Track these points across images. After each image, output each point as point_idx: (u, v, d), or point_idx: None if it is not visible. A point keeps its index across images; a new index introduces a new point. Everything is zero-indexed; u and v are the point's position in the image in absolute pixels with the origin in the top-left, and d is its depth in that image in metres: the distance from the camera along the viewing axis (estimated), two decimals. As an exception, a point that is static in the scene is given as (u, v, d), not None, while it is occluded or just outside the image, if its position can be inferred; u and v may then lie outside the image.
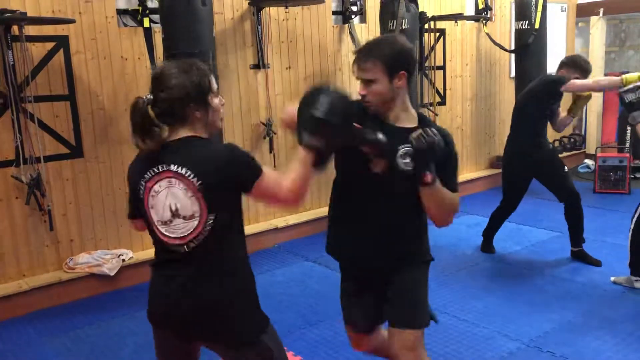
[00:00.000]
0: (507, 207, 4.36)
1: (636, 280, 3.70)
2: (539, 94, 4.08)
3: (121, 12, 4.16)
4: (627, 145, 6.71)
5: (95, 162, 4.12)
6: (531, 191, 4.43)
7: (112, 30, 4.10)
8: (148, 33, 4.04)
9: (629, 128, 6.65)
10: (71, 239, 4.08)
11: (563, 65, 4.12)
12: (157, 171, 1.69)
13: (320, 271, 4.31)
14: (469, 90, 6.48)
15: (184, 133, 1.72)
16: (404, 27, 4.74)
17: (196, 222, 1.69)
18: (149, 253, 4.29)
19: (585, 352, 2.97)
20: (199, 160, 1.69)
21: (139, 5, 4.10)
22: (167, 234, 1.72)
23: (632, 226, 3.62)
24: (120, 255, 4.14)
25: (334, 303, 3.69)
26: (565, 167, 4.29)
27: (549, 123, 4.20)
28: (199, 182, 1.67)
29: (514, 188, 4.30)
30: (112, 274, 4.01)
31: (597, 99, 7.33)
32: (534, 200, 5.34)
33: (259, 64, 4.77)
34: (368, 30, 5.45)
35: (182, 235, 1.70)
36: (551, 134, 5.07)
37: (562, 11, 7.22)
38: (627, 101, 3.50)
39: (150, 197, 1.71)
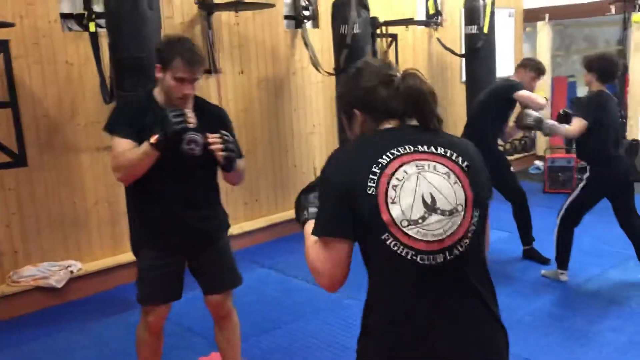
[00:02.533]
0: None
1: (561, 274, 3.86)
2: (493, 98, 4.18)
3: (65, 16, 4.04)
4: (574, 146, 6.90)
5: (40, 171, 3.97)
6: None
7: (55, 35, 3.97)
8: (94, 38, 3.93)
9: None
10: (15, 250, 3.93)
11: (519, 67, 4.26)
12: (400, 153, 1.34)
13: (277, 278, 4.28)
14: (421, 94, 6.55)
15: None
16: (355, 32, 4.76)
17: (459, 220, 1.33)
18: (98, 264, 4.22)
19: (534, 349, 3.02)
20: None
21: (84, 9, 3.98)
22: (416, 236, 1.30)
23: (557, 223, 3.79)
24: (68, 266, 4.01)
25: (291, 309, 3.70)
26: (512, 168, 4.41)
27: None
28: (466, 164, 1.38)
29: None
30: (59, 286, 3.88)
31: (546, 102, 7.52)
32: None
33: (211, 69, 4.71)
34: (321, 34, 5.46)
35: (440, 238, 1.31)
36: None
37: (509, 16, 7.40)
38: (531, 124, 3.85)
39: (391, 188, 1.31)
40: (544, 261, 4.21)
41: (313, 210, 1.50)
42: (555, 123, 3.79)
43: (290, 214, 5.32)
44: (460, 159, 1.37)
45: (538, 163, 7.53)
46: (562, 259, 3.82)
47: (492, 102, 4.19)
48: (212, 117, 2.39)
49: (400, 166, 1.31)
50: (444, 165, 1.34)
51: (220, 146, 2.23)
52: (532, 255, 4.31)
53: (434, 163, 1.33)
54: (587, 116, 3.59)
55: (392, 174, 1.30)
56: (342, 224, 1.32)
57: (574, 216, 3.73)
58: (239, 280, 2.62)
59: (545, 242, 4.41)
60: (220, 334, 2.67)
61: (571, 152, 6.86)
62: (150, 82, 3.55)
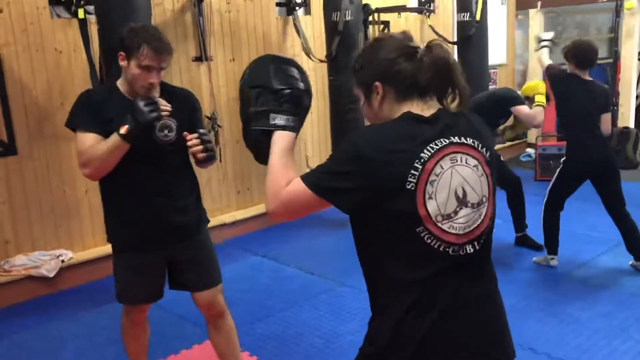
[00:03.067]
0: None
1: (551, 259, 3.90)
2: (490, 102, 4.16)
3: (54, 3, 3.98)
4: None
5: (29, 160, 3.94)
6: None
7: (44, 22, 3.92)
8: (83, 24, 3.88)
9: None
10: (6, 240, 3.90)
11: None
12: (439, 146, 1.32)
13: (270, 266, 4.28)
14: (414, 82, 6.54)
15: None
16: (347, 19, 4.73)
17: (484, 211, 1.36)
18: (89, 253, 4.20)
19: (527, 334, 3.04)
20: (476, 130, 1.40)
21: (73, -5, 3.93)
22: (449, 230, 1.31)
23: (543, 209, 3.86)
24: (59, 256, 3.99)
25: (284, 297, 3.70)
26: (501, 157, 4.43)
27: None
28: (489, 154, 1.38)
29: None
30: (51, 275, 3.86)
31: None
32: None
33: (202, 57, 4.67)
34: (313, 22, 5.43)
35: (469, 230, 1.33)
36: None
37: (502, 4, 7.38)
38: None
39: (429, 183, 1.30)
40: (537, 247, 4.23)
41: (284, 118, 1.44)
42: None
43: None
44: (484, 150, 1.38)
45: (530, 150, 7.55)
46: (551, 244, 3.87)
47: (489, 106, 4.17)
48: (181, 100, 2.28)
49: (438, 161, 1.30)
50: (473, 157, 1.35)
51: (200, 147, 2.15)
52: (525, 242, 4.34)
53: (465, 156, 1.33)
54: (551, 89, 3.81)
55: (431, 170, 1.29)
56: (344, 196, 1.30)
57: (556, 200, 3.80)
58: (221, 278, 2.48)
59: (538, 229, 4.42)
60: (217, 336, 2.51)
61: (563, 139, 6.88)
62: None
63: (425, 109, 1.35)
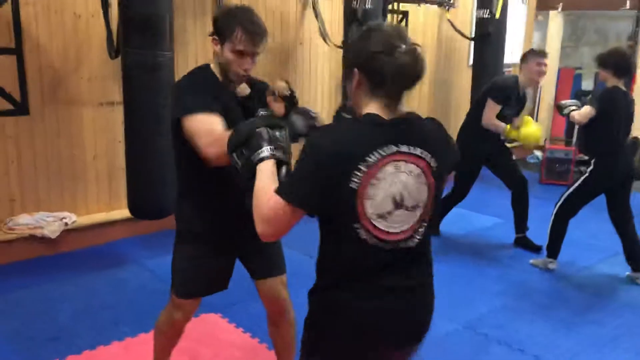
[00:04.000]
0: (458, 193, 4.47)
1: (550, 262, 3.92)
2: (498, 91, 4.17)
3: (76, -34, 3.99)
4: (574, 139, 6.93)
5: (41, 121, 3.96)
6: (479, 178, 4.53)
7: (65, -16, 3.93)
8: (103, -9, 3.89)
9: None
10: (12, 198, 3.94)
11: (521, 63, 4.20)
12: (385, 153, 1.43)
13: (267, 245, 4.31)
14: (427, 75, 6.51)
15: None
16: (367, 7, 4.71)
17: (419, 213, 1.49)
18: (93, 218, 4.24)
19: (517, 335, 3.08)
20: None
21: (95, -40, 3.93)
22: (382, 228, 1.44)
23: (554, 212, 3.84)
24: (63, 218, 4.03)
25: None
26: (514, 156, 4.43)
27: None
28: (437, 164, 1.49)
29: (465, 175, 4.41)
30: (53, 237, 3.90)
31: (550, 94, 7.51)
32: (481, 187, 5.45)
33: (219, 33, 4.67)
34: (332, 5, 5.40)
35: (402, 229, 1.47)
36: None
37: (522, 3, 7.33)
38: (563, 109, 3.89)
39: (370, 185, 1.42)
40: (536, 249, 4.26)
41: (278, 154, 1.54)
42: (568, 109, 3.81)
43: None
44: (433, 160, 1.47)
45: (537, 153, 7.54)
46: (553, 248, 3.88)
47: (484, 100, 4.19)
48: (262, 94, 2.12)
49: (383, 166, 1.41)
50: (418, 166, 1.45)
51: None
52: (524, 243, 4.36)
53: (410, 165, 1.44)
54: (595, 106, 3.61)
55: (374, 174, 1.40)
56: (316, 200, 1.42)
57: (572, 207, 3.77)
58: (285, 268, 2.42)
59: (537, 232, 4.45)
60: (276, 331, 2.45)
61: (571, 144, 6.88)
62: (160, 40, 3.58)
63: (387, 111, 1.45)
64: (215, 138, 1.84)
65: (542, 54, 4.14)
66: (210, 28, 2.08)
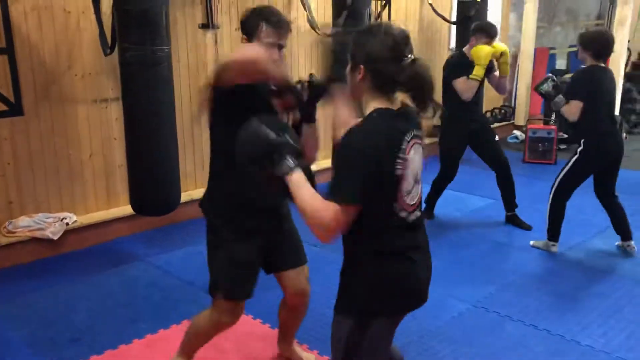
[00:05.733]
0: (445, 174, 4.56)
1: (552, 245, 4.00)
2: (452, 72, 4.26)
3: (64, -39, 3.90)
4: (553, 117, 7.10)
5: (35, 121, 3.90)
6: (468, 160, 4.64)
7: (54, -20, 3.84)
8: (94, -14, 3.82)
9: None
10: (10, 201, 3.88)
11: (473, 32, 4.32)
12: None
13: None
14: (410, 59, 6.59)
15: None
16: (355, -6, 4.73)
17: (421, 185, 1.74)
18: (93, 217, 4.20)
19: (527, 311, 3.20)
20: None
21: (83, -46, 3.85)
22: (409, 202, 1.66)
23: (551, 195, 3.91)
24: (63, 219, 3.98)
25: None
26: (497, 137, 4.55)
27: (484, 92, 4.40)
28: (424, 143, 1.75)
29: (449, 156, 4.51)
30: (55, 238, 3.86)
31: (528, 73, 7.66)
32: (470, 169, 5.57)
33: (209, 24, 4.64)
34: (317, -6, 5.41)
35: (415, 201, 1.70)
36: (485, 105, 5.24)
37: (499, -15, 7.43)
38: (543, 92, 3.81)
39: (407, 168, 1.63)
40: (527, 228, 4.39)
41: (299, 161, 1.65)
42: (560, 101, 3.74)
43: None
44: (423, 140, 1.73)
45: (517, 132, 7.70)
46: (554, 231, 3.95)
47: (449, 82, 4.28)
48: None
49: (409, 150, 1.63)
50: (420, 145, 1.70)
51: None
52: (515, 221, 4.50)
53: (419, 146, 1.68)
54: (579, 95, 3.64)
55: (408, 159, 1.61)
56: (365, 195, 1.56)
57: (566, 189, 3.84)
58: (307, 259, 2.45)
59: (525, 211, 4.57)
60: (291, 315, 2.55)
61: (549, 123, 7.04)
62: (158, 35, 3.54)
63: (392, 103, 1.64)
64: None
65: (490, 36, 4.24)
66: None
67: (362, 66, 1.61)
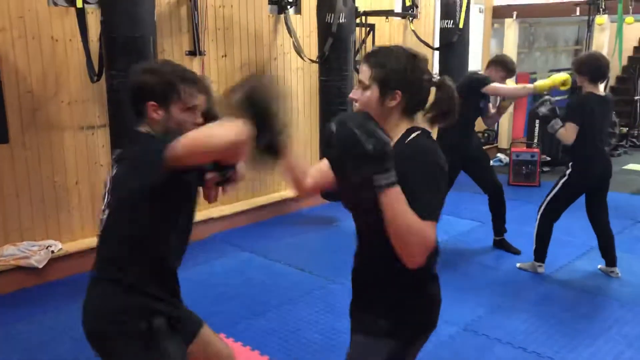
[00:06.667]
0: None
1: (539, 266, 4.03)
2: (464, 92, 4.31)
3: (52, -10, 3.94)
4: (536, 140, 7.21)
5: (22, 149, 3.88)
6: (455, 183, 4.66)
7: (41, 9, 3.86)
8: (81, 13, 3.83)
9: (537, 125, 7.17)
10: (-6, 229, 3.84)
11: (492, 64, 4.39)
12: None
13: (259, 261, 4.33)
14: (395, 85, 6.69)
15: None
16: (341, 21, 4.81)
17: None
18: (78, 244, 4.16)
19: (516, 334, 3.21)
20: None
21: (71, -17, 3.89)
22: None
23: (538, 217, 3.95)
24: (48, 246, 3.94)
25: (278, 293, 3.77)
26: (491, 161, 4.60)
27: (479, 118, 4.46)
28: None
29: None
30: (40, 266, 3.81)
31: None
32: (455, 192, 5.59)
33: (195, 51, 4.68)
34: (302, 21, 5.49)
35: None
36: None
37: (479, 12, 7.60)
38: (541, 115, 3.86)
39: None
40: (515, 252, 4.42)
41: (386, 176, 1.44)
42: (556, 125, 3.78)
43: (269, 198, 5.37)
44: None
45: (500, 155, 7.80)
46: (541, 252, 3.98)
47: (462, 97, 4.32)
48: None
49: None
50: None
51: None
52: (503, 245, 4.52)
53: None
54: (576, 120, 3.68)
55: None
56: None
57: (554, 211, 3.88)
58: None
59: (512, 233, 4.61)
60: None
61: (532, 146, 7.15)
62: (144, 62, 3.56)
63: (415, 124, 1.66)
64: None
65: (510, 72, 4.36)
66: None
67: (398, 91, 1.59)
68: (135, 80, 1.80)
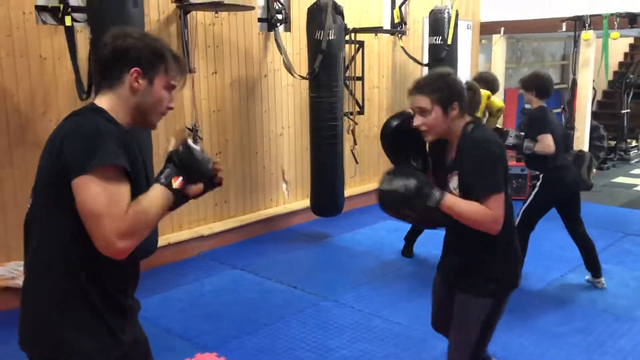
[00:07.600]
0: None
1: None
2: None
3: (40, 9, 3.91)
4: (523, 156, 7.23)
5: (9, 168, 3.83)
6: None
7: (30, 28, 3.84)
8: (70, 32, 3.83)
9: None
10: (-19, 250, 3.78)
11: (474, 81, 4.43)
12: None
13: (250, 279, 4.28)
14: (385, 101, 6.72)
15: None
16: (330, 38, 4.83)
17: None
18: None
19: (511, 348, 3.18)
20: None
21: (59, 2, 3.88)
22: None
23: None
24: (36, 266, 3.88)
25: (269, 311, 3.73)
26: None
27: None
28: None
29: None
30: (27, 287, 3.75)
31: (498, 112, 7.84)
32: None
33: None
34: (292, 38, 5.51)
35: None
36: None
37: (467, 28, 7.67)
38: (510, 146, 3.93)
39: None
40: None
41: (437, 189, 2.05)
42: (530, 144, 3.84)
43: (259, 214, 5.34)
44: None
45: (490, 170, 7.82)
46: None
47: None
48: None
49: None
50: None
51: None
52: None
53: None
54: (546, 129, 3.77)
55: None
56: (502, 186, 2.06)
57: (528, 221, 3.93)
58: None
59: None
60: None
61: (522, 160, 7.18)
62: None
63: (466, 118, 2.14)
64: (131, 223, 1.52)
65: (493, 90, 4.48)
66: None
67: (455, 103, 2.07)
68: (122, 42, 1.59)
